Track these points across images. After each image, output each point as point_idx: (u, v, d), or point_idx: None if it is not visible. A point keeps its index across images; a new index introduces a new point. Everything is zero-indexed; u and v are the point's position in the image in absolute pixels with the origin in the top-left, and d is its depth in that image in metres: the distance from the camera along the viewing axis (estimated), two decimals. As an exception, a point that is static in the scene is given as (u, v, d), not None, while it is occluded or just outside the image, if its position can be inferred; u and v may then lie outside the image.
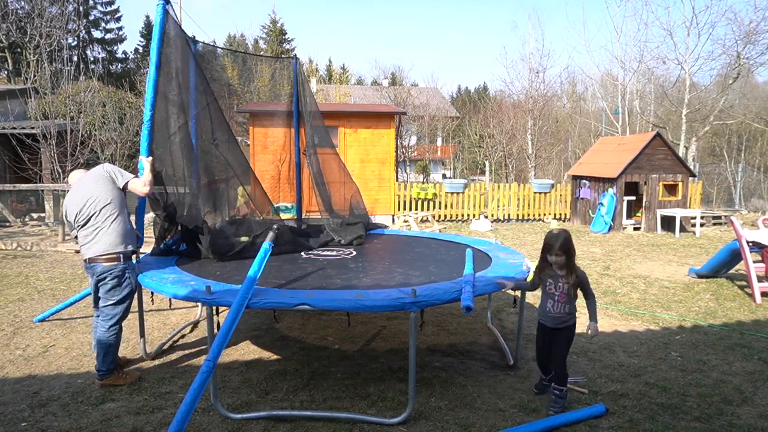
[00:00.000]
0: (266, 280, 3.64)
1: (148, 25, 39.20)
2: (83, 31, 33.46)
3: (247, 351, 4.42)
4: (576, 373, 3.96)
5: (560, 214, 14.16)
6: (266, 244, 3.57)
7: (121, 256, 3.64)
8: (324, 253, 4.85)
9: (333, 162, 6.13)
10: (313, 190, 5.65)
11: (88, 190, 3.64)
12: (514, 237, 11.18)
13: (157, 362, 4.17)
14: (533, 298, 6.17)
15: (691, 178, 13.27)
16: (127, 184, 3.75)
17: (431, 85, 37.69)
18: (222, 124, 4.56)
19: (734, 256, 6.68)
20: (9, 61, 22.78)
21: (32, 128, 12.82)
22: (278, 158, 6.25)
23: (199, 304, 4.78)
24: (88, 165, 13.25)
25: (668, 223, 12.12)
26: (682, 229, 11.98)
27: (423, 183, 18.50)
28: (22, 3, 22.24)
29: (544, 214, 14.12)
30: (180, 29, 4.23)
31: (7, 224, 11.31)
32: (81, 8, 30.73)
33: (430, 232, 7.08)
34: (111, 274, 3.62)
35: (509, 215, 13.95)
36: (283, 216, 8.61)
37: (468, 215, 13.75)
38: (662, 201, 12.32)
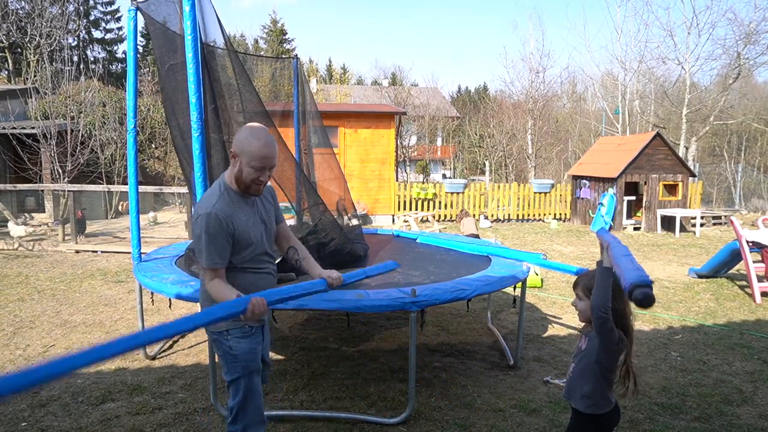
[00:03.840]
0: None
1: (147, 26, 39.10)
2: (83, 31, 33.44)
3: (247, 351, 4.42)
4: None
5: (560, 214, 14.15)
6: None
7: None
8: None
9: (332, 162, 6.12)
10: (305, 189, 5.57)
11: None
12: (514, 237, 11.17)
13: (157, 362, 4.18)
14: (533, 297, 6.17)
15: (691, 178, 13.27)
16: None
17: (431, 85, 37.72)
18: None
19: (734, 256, 6.68)
20: (9, 61, 22.76)
21: (32, 128, 12.81)
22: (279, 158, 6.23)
23: (199, 304, 4.78)
24: (88, 165, 13.26)
25: (668, 223, 12.12)
26: (682, 229, 11.98)
27: (423, 183, 18.50)
28: (23, 3, 22.25)
29: (544, 214, 14.12)
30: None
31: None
32: (81, 8, 30.71)
33: (430, 233, 7.08)
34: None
35: (509, 215, 13.95)
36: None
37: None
38: (662, 201, 12.31)
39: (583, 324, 2.29)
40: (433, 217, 13.38)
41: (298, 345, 4.56)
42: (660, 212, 12.20)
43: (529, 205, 14.03)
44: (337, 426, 3.16)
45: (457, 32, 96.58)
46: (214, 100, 3.87)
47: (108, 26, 37.72)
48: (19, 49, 21.68)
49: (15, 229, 9.87)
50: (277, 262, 3.75)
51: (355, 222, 5.19)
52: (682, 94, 19.71)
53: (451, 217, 13.63)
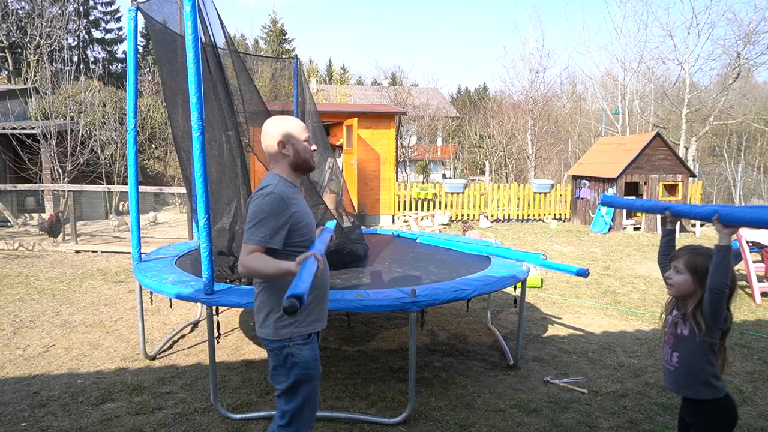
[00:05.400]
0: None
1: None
2: (83, 31, 33.44)
3: (247, 351, 4.42)
4: (576, 373, 3.96)
5: (560, 214, 14.16)
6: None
7: None
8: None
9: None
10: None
11: None
12: (514, 237, 11.17)
13: (157, 362, 4.18)
14: (533, 297, 6.17)
15: (691, 178, 13.27)
16: None
17: (431, 85, 37.68)
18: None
19: (734, 256, 6.67)
20: (9, 61, 22.75)
21: (32, 128, 12.81)
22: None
23: (199, 304, 4.79)
24: (88, 165, 13.26)
25: (668, 223, 12.10)
26: (683, 229, 11.98)
27: (423, 183, 18.50)
28: (23, 3, 22.24)
29: (544, 214, 14.12)
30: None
31: (8, 224, 11.31)
32: (81, 8, 30.71)
33: (430, 233, 7.08)
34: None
35: (509, 215, 13.95)
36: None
37: (468, 215, 13.74)
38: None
39: (685, 309, 2.13)
40: (433, 217, 13.37)
41: (298, 345, 4.55)
42: (660, 212, 12.19)
43: (529, 205, 14.03)
44: (337, 426, 3.16)
45: (457, 32, 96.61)
46: (221, 101, 3.86)
47: (108, 26, 37.71)
48: (19, 49, 21.68)
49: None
50: None
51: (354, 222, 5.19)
52: (682, 94, 19.70)
53: (451, 218, 13.63)
